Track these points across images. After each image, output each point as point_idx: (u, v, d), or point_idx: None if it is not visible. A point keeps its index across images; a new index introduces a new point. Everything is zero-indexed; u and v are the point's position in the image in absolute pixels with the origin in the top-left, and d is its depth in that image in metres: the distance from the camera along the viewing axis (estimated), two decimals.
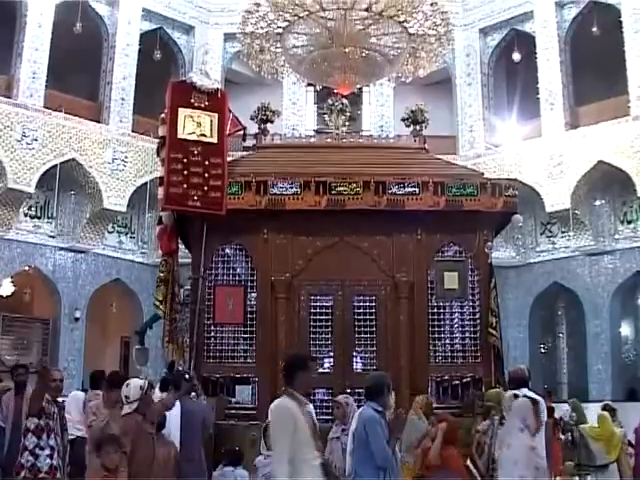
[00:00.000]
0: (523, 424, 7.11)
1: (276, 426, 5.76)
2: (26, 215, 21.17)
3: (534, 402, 7.39)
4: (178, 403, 8.01)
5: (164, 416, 7.27)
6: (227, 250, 11.34)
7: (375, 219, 11.02)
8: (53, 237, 21.63)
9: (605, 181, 21.20)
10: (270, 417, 5.93)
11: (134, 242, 23.36)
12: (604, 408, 12.80)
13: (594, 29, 21.74)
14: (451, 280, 11.07)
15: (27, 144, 20.15)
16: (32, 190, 20.22)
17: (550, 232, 22.74)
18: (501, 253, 21.76)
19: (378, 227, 11.09)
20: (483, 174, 12.77)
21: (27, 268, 21.23)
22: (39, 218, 21.50)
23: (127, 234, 23.21)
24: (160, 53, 23.63)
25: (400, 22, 13.03)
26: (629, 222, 21.42)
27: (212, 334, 11.06)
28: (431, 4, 13.46)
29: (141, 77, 22.67)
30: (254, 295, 11.19)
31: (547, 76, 22.45)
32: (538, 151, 22.02)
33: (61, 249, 21.64)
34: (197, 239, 11.11)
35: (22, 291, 21.62)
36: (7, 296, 20.80)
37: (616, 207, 21.72)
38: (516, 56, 23.41)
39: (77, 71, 22.28)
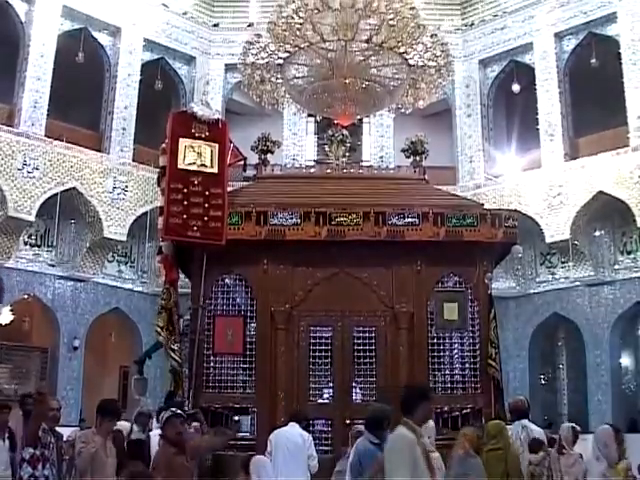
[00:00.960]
0: (601, 452, 6.94)
1: (396, 458, 5.44)
2: (26, 243, 21.17)
3: (616, 430, 7.23)
4: None
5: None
6: (227, 280, 11.33)
7: (375, 250, 11.03)
8: (53, 266, 21.60)
9: (605, 212, 21.20)
10: (389, 448, 5.59)
11: (134, 271, 23.34)
12: None
13: (593, 61, 21.90)
14: (451, 311, 11.06)
15: (28, 172, 20.19)
16: (32, 219, 20.22)
17: (550, 263, 22.73)
18: (501, 284, 21.76)
19: (378, 258, 11.09)
20: (483, 205, 12.79)
21: (26, 296, 21.18)
22: (39, 246, 21.49)
23: (127, 263, 23.20)
24: (161, 83, 23.79)
25: (400, 53, 13.08)
26: (629, 252, 21.41)
27: (211, 364, 11.02)
28: (431, 36, 13.52)
29: (142, 107, 22.76)
30: (254, 325, 11.17)
31: (546, 107, 22.54)
32: (538, 182, 22.06)
33: (60, 278, 21.61)
34: (197, 269, 11.11)
35: (21, 320, 21.54)
36: (6, 324, 20.70)
37: (616, 238, 21.73)
38: (515, 87, 23.56)
39: (79, 100, 22.35)
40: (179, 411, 7.43)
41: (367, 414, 7.30)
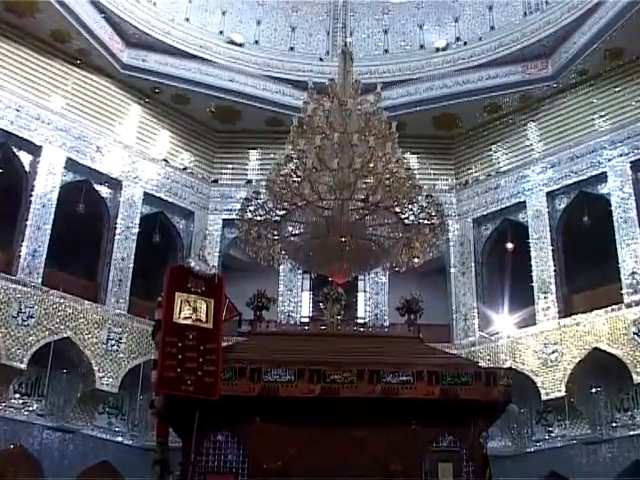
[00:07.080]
0: None
1: None
2: (16, 392, 20.91)
3: None
4: None
5: None
6: (219, 437, 11.20)
7: (369, 408, 10.94)
8: (42, 416, 21.27)
9: (600, 368, 21.10)
10: None
11: (124, 424, 22.89)
12: None
13: (585, 219, 22.43)
14: (446, 471, 10.90)
15: (23, 320, 20.21)
16: (24, 367, 20.08)
17: (546, 421, 22.44)
18: (496, 442, 21.39)
19: (372, 416, 10.99)
20: (478, 363, 12.81)
21: (12, 446, 20.76)
22: (29, 395, 21.21)
23: (117, 416, 22.80)
24: (159, 236, 24.12)
25: (396, 213, 13.35)
26: (626, 410, 21.21)
27: None
28: (426, 196, 13.85)
29: (140, 259, 23.02)
30: None
31: (540, 264, 22.85)
32: (533, 339, 22.09)
33: (49, 428, 21.20)
34: (189, 424, 10.98)
35: (5, 471, 21.03)
36: None
37: (612, 395, 21.55)
38: (509, 245, 23.93)
39: (77, 250, 22.64)
40: None
41: None
